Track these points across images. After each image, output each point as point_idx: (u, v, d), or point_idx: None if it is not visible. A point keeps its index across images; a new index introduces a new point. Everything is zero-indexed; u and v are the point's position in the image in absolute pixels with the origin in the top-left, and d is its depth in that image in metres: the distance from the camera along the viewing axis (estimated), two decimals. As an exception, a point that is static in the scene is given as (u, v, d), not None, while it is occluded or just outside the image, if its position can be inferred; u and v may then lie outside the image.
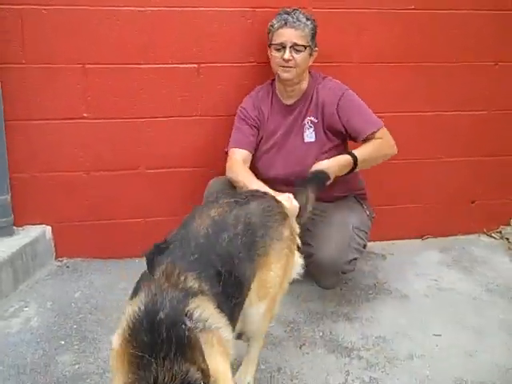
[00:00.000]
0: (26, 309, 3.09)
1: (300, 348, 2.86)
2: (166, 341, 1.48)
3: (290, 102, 3.23)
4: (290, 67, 3.07)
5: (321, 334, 2.99)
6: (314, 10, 3.37)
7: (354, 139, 3.16)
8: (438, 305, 3.28)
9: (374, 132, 3.10)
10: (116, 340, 1.63)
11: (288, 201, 2.65)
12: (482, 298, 3.36)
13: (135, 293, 1.77)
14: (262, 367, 2.65)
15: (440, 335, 3.00)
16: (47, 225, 3.54)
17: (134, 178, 3.54)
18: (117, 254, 3.62)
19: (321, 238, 3.06)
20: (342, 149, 3.20)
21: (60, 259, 3.57)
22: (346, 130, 3.15)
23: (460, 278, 3.56)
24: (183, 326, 1.54)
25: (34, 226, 3.51)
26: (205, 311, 1.68)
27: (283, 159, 3.19)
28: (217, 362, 1.61)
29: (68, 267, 3.51)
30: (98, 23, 3.26)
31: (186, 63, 3.40)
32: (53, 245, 3.56)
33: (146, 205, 3.60)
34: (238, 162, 3.11)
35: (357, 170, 3.05)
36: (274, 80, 3.30)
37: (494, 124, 3.90)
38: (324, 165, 2.97)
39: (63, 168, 3.45)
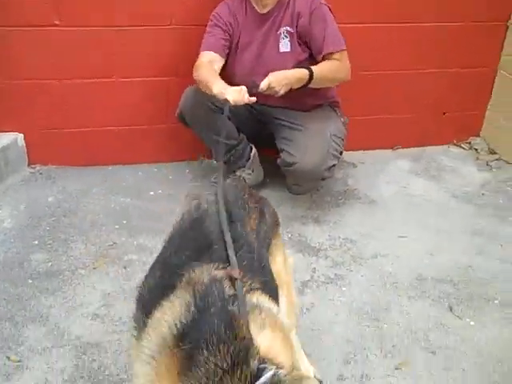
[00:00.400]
0: (-1, 211, 3.13)
1: (269, 248, 2.95)
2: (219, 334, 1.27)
3: (264, 10, 3.18)
4: None
5: (290, 235, 3.08)
6: None
7: (314, 54, 3.16)
8: (405, 209, 3.37)
9: (336, 52, 3.11)
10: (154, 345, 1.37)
11: (241, 92, 2.77)
12: (448, 204, 3.46)
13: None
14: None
15: (405, 236, 3.10)
16: (19, 132, 3.53)
17: (109, 86, 3.49)
18: (90, 162, 3.63)
19: (302, 146, 3.12)
20: (314, 61, 3.19)
21: (33, 166, 3.58)
22: (310, 43, 3.15)
23: (428, 186, 3.64)
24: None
25: (5, 134, 3.49)
26: (255, 297, 1.48)
27: (259, 70, 3.18)
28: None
29: (41, 174, 3.53)
30: None
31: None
32: (25, 152, 3.56)
33: (120, 113, 3.58)
34: (204, 62, 3.10)
35: (310, 85, 3.05)
36: None
37: (469, 36, 3.86)
38: (282, 73, 2.98)
39: (35, 75, 3.40)
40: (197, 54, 3.21)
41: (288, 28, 3.14)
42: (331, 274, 2.79)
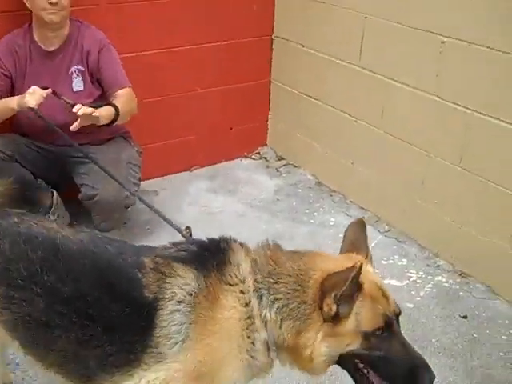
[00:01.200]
0: None
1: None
2: None
3: (51, 48, 3.17)
4: (57, 10, 3.03)
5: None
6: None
7: (106, 89, 3.24)
8: (209, 228, 3.47)
9: (126, 87, 3.23)
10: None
11: (35, 92, 2.90)
12: (247, 215, 3.71)
13: None
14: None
15: (213, 254, 3.27)
16: None
17: None
18: None
19: (100, 177, 3.09)
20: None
21: None
22: (101, 81, 3.23)
23: (226, 200, 3.87)
24: None
25: None
26: None
27: (53, 110, 3.11)
28: None
29: None
30: None
31: None
32: None
33: None
34: None
35: (116, 123, 3.13)
36: (30, 25, 3.19)
37: (242, 52, 4.17)
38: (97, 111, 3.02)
39: None
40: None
41: (79, 67, 3.19)
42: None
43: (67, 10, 3.11)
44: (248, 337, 1.64)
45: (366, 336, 1.56)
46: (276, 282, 1.62)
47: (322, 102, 4.00)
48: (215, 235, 3.41)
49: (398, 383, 1.62)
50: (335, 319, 1.55)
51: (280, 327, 1.61)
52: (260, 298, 1.63)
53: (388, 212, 3.59)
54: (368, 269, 1.67)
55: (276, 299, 1.61)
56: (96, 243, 1.81)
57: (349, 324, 1.55)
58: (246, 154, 4.43)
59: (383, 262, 3.26)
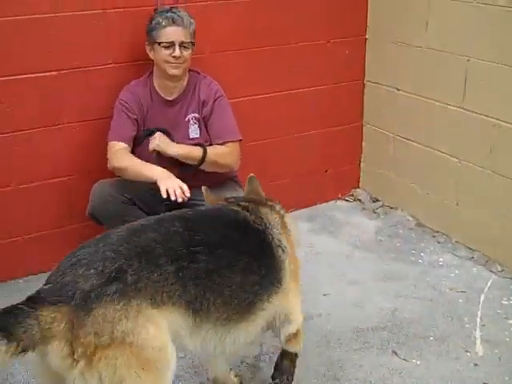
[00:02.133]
0: None
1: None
2: None
3: (171, 97, 3.28)
4: (180, 63, 3.15)
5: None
6: (161, 5, 3.42)
7: (211, 140, 3.31)
8: (319, 267, 3.56)
9: (231, 141, 3.28)
10: None
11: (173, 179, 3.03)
12: (353, 255, 3.71)
13: None
14: None
15: (329, 294, 3.29)
16: None
17: (8, 195, 3.36)
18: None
19: None
20: None
21: None
22: (208, 129, 3.31)
23: (331, 241, 3.88)
24: None
25: None
26: None
27: (170, 157, 3.22)
28: None
29: None
30: None
31: (45, 71, 3.30)
32: None
33: (23, 222, 3.45)
34: (121, 150, 3.14)
35: (201, 166, 3.19)
36: (150, 74, 3.32)
37: (335, 96, 4.24)
38: (174, 146, 3.16)
39: None
40: (96, 148, 3.30)
41: (196, 115, 3.27)
42: (279, 344, 2.86)
43: (188, 63, 3.23)
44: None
45: None
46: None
47: (420, 143, 4.01)
48: (328, 275, 3.47)
49: None
50: None
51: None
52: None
53: (499, 252, 3.53)
54: None
55: None
56: (202, 209, 2.58)
57: None
58: (339, 196, 4.45)
59: (504, 302, 3.20)
